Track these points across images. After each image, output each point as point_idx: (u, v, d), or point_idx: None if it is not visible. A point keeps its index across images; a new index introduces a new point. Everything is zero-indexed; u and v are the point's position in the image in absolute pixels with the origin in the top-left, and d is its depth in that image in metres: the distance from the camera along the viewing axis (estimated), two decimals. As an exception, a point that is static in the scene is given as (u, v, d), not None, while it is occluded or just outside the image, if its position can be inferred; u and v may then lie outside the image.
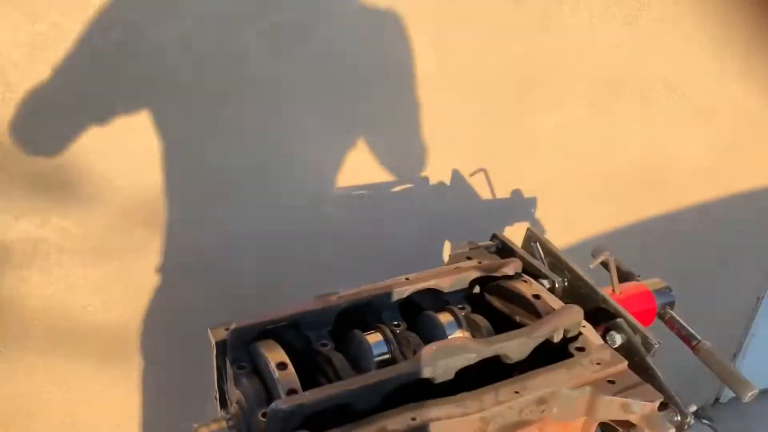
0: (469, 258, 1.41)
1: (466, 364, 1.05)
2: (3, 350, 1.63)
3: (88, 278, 1.63)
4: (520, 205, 2.05)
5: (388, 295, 1.19)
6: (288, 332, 1.13)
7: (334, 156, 1.76)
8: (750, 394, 1.29)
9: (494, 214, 2.01)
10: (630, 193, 2.25)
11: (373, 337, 1.13)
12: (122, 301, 1.69)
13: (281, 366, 1.00)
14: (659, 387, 1.15)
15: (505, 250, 1.45)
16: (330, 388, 0.96)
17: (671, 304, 1.46)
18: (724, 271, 2.71)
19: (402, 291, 1.20)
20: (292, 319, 1.11)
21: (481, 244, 1.47)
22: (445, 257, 2.03)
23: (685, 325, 1.41)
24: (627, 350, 1.22)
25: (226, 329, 1.11)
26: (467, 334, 1.17)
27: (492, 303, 1.30)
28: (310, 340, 1.12)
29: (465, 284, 1.27)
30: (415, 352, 1.13)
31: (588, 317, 1.31)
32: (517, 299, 1.24)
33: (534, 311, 1.21)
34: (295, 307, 1.13)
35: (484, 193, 1.98)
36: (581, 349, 1.14)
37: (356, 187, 1.81)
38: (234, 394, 1.05)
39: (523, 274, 1.30)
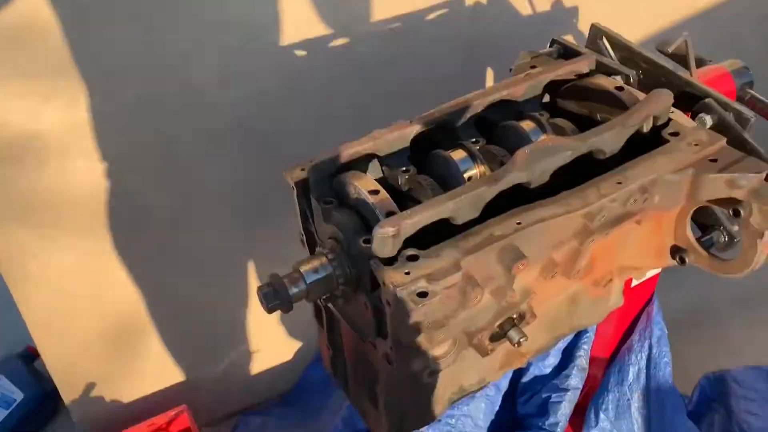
0: (533, 67, 1.32)
1: (561, 163, 1.00)
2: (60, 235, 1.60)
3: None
4: (560, 18, 1.92)
5: (461, 111, 1.12)
6: (365, 164, 1.07)
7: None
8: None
9: (536, 29, 1.89)
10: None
11: (457, 154, 1.07)
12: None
13: (374, 192, 0.95)
14: (763, 158, 1.10)
15: (569, 53, 1.35)
16: (430, 205, 0.91)
17: (750, 84, 1.37)
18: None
19: (476, 105, 1.12)
20: (369, 149, 1.05)
21: (542, 51, 1.37)
22: (488, 84, 1.93)
23: (768, 101, 1.33)
24: (720, 130, 1.15)
25: (302, 169, 1.06)
26: (552, 137, 1.10)
27: (568, 108, 1.22)
28: (390, 168, 1.07)
29: (539, 90, 1.19)
30: (502, 164, 1.07)
31: (673, 105, 1.24)
32: (597, 96, 1.16)
33: (619, 104, 1.13)
34: (369, 137, 1.06)
35: (523, 8, 1.84)
36: (675, 134, 1.07)
37: (386, 21, 1.69)
38: (325, 231, 1.01)
39: (596, 72, 1.21)
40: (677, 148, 1.05)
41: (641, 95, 1.14)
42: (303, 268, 0.97)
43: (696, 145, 1.05)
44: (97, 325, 1.77)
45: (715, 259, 1.17)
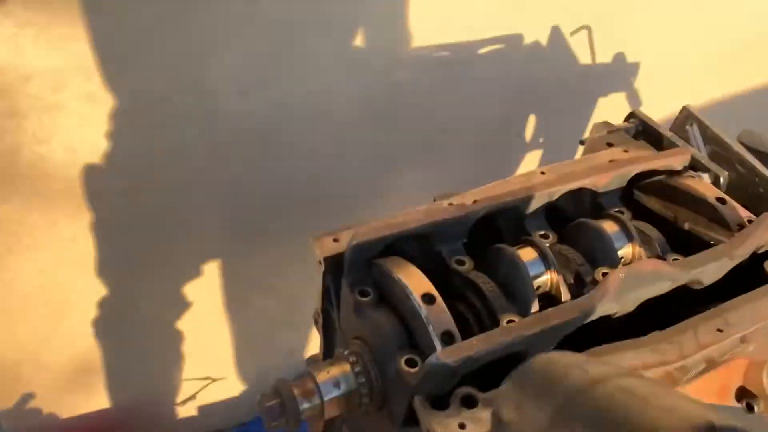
0: (609, 144, 1.13)
1: (658, 293, 0.81)
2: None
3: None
4: (619, 72, 1.73)
5: (531, 197, 0.92)
6: (413, 245, 0.87)
7: (410, 6, 1.41)
8: None
9: (590, 80, 1.70)
10: (739, 66, 1.92)
11: (527, 254, 0.87)
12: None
13: (428, 299, 0.75)
14: None
15: (648, 132, 1.17)
16: (501, 334, 0.72)
17: None
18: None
19: (552, 192, 0.93)
20: (423, 230, 0.85)
21: (618, 125, 1.18)
22: (529, 132, 1.74)
23: None
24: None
25: (335, 239, 0.86)
26: (639, 249, 0.91)
27: (648, 204, 1.03)
28: (442, 256, 0.87)
29: (624, 182, 1.00)
30: (578, 274, 0.88)
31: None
32: (689, 201, 0.98)
33: (717, 218, 0.95)
34: (422, 214, 0.86)
35: (583, 56, 1.65)
36: (780, 270, 0.89)
37: (436, 48, 1.48)
38: (353, 327, 0.81)
39: (689, 169, 1.03)
40: (788, 289, 0.87)
41: (742, 211, 0.96)
42: (320, 378, 0.76)
43: (809, 288, 0.87)
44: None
45: (792, 415, 1.00)
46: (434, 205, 0.87)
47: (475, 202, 0.89)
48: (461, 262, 0.86)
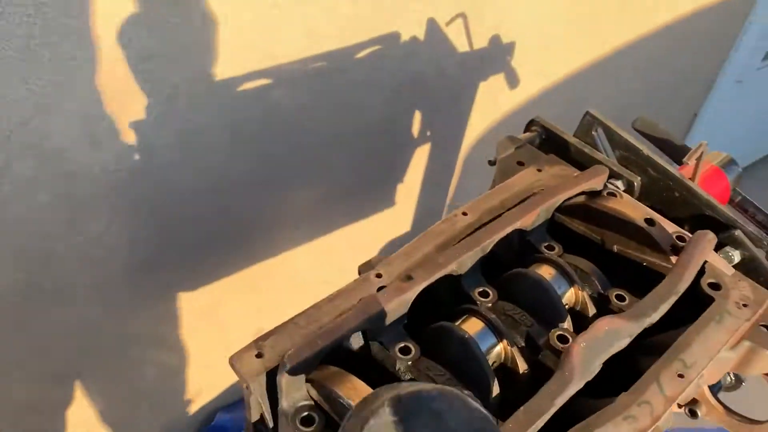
0: (520, 163, 1.06)
1: (616, 351, 0.76)
2: None
3: None
4: (496, 55, 1.68)
5: (465, 258, 0.84)
6: (347, 344, 0.76)
7: (274, 20, 1.25)
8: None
9: (468, 67, 1.63)
10: (602, 23, 1.93)
11: (473, 326, 0.79)
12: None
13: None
14: (797, 313, 0.94)
15: (552, 140, 1.12)
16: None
17: (738, 178, 1.22)
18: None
19: (484, 246, 0.85)
20: (360, 328, 0.74)
21: (522, 137, 1.11)
22: (415, 129, 1.66)
23: (761, 207, 1.19)
24: (747, 268, 0.98)
25: (258, 354, 0.73)
26: (581, 293, 0.86)
27: (570, 226, 0.98)
28: (382, 345, 0.77)
29: (549, 215, 0.94)
30: (528, 336, 0.81)
31: (687, 229, 1.05)
32: (617, 224, 0.94)
33: (647, 240, 0.91)
34: (357, 311, 0.75)
35: (461, 45, 1.57)
36: (716, 286, 0.87)
37: (307, 60, 1.34)
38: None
39: (608, 184, 0.99)
40: (726, 312, 0.85)
41: (669, 225, 0.93)
42: None
43: (744, 305, 0.86)
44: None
45: (733, 415, 1.01)
46: (367, 298, 0.76)
47: (409, 277, 0.79)
48: (406, 350, 0.76)
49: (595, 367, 0.73)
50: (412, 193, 1.79)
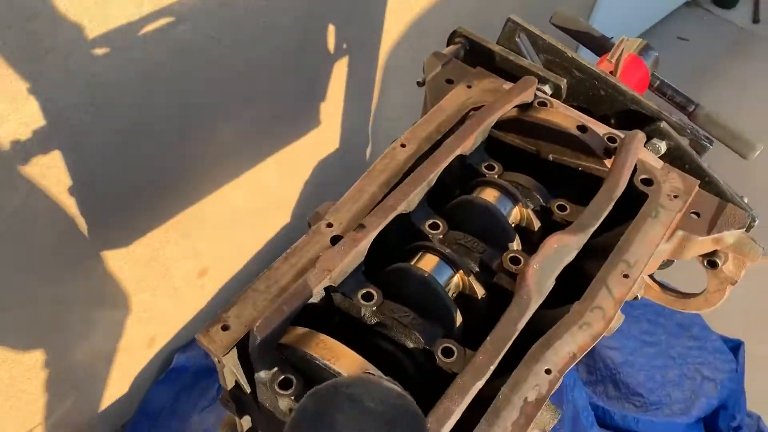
0: (449, 81, 1.05)
1: (566, 263, 0.80)
2: None
3: None
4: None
5: (412, 194, 0.84)
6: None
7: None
8: (755, 153, 1.20)
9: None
10: None
11: (428, 262, 0.81)
12: None
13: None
14: (720, 192, 1.01)
15: (476, 50, 1.10)
16: (458, 392, 0.67)
17: (656, 62, 1.25)
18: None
19: (430, 180, 0.85)
20: (324, 284, 0.74)
21: (447, 51, 1.09)
22: (330, 44, 1.60)
23: (678, 88, 1.23)
24: (674, 158, 1.03)
25: (224, 327, 0.73)
26: (526, 211, 0.89)
27: (506, 140, 1.00)
28: (345, 296, 0.78)
29: (486, 135, 0.95)
30: (482, 262, 0.84)
31: (614, 126, 1.08)
32: (550, 134, 0.95)
33: (582, 147, 0.94)
34: (317, 271, 0.75)
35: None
36: (648, 182, 0.92)
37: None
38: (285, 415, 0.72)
39: (537, 92, 0.99)
40: (660, 206, 0.90)
41: (603, 128, 0.96)
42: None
43: (675, 196, 0.91)
44: None
45: (669, 292, 1.10)
46: (324, 255, 0.75)
47: (361, 225, 0.79)
48: (369, 297, 0.77)
49: (549, 284, 0.77)
50: (336, 110, 1.75)
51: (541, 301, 0.76)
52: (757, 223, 1.02)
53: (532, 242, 0.90)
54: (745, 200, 1.05)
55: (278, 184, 1.78)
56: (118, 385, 1.76)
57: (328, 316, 0.78)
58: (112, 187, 1.34)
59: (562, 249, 0.79)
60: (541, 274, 0.76)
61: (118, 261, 1.47)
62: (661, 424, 1.71)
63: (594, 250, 0.85)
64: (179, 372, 1.84)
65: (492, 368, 0.70)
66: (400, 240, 0.85)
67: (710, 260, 0.95)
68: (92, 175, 1.28)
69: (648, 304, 1.98)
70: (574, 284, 0.82)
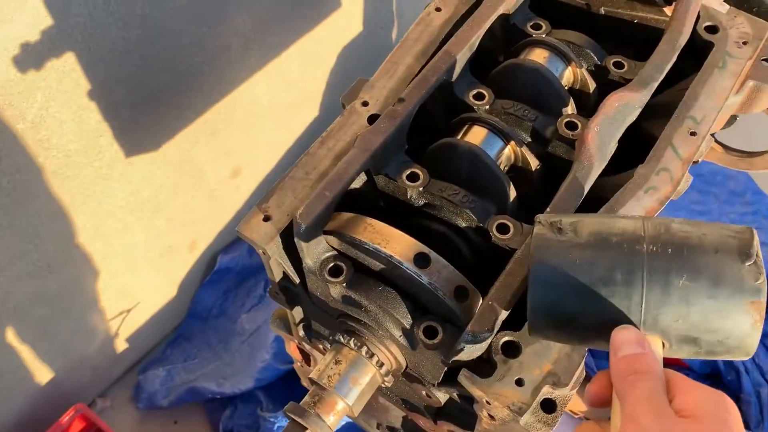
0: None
1: (629, 123, 0.73)
2: None
3: None
4: None
5: (454, 63, 0.76)
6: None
7: None
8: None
9: None
10: None
11: (476, 135, 0.74)
12: None
13: (422, 260, 0.63)
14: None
15: None
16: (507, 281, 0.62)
17: None
18: None
19: (471, 44, 0.77)
20: (361, 169, 0.69)
21: None
22: None
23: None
24: (737, 1, 0.92)
25: (265, 218, 0.69)
26: (579, 71, 0.81)
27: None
28: (389, 177, 0.72)
29: (533, -14, 0.85)
30: (534, 131, 0.77)
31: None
32: (602, -16, 0.85)
33: (637, -4, 0.84)
34: (357, 150, 0.69)
35: None
36: (713, 29, 0.82)
37: None
38: (337, 306, 0.69)
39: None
40: (728, 55, 0.81)
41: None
42: (333, 383, 0.66)
43: (744, 43, 0.82)
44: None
45: (732, 152, 1.02)
46: (364, 134, 0.69)
47: (400, 99, 0.72)
48: (414, 177, 0.72)
49: (612, 147, 0.71)
50: (357, -12, 1.64)
51: (603, 166, 0.70)
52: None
53: (587, 106, 0.82)
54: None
55: (302, 76, 1.70)
56: (165, 290, 1.78)
57: (373, 200, 0.73)
58: (133, 88, 1.29)
59: (624, 107, 0.71)
60: (602, 136, 0.69)
61: (149, 165, 1.44)
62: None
63: (656, 109, 0.78)
64: (224, 273, 1.85)
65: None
66: (443, 113, 0.79)
67: (781, 112, 0.87)
68: (111, 76, 1.22)
69: (698, 173, 1.89)
70: (635, 147, 0.75)
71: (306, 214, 0.64)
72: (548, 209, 0.65)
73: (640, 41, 0.87)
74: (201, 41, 1.35)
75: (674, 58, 0.76)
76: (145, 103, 1.34)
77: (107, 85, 1.23)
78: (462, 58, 0.76)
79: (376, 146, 0.68)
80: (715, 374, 1.71)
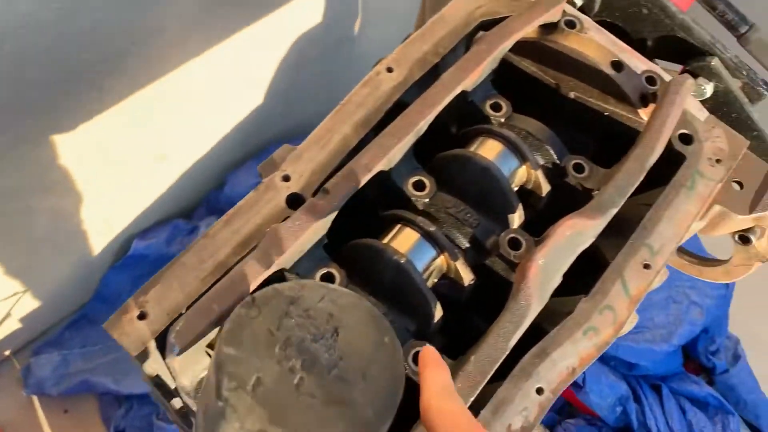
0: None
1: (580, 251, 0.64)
2: None
3: None
4: None
5: (393, 148, 0.65)
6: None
7: None
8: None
9: None
10: None
11: (404, 241, 0.64)
12: None
13: None
14: (768, 152, 0.83)
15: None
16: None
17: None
18: None
19: (419, 129, 0.66)
20: (265, 276, 0.58)
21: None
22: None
23: (731, 2, 1.01)
24: (717, 101, 0.84)
25: (140, 316, 0.58)
26: (533, 171, 0.71)
27: (521, 67, 0.80)
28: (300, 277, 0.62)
29: (495, 64, 0.75)
30: (473, 238, 0.67)
31: (653, 53, 0.87)
32: (577, 68, 0.76)
33: (610, 88, 0.75)
34: (256, 251, 0.58)
35: None
36: (688, 139, 0.74)
37: None
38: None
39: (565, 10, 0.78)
40: (698, 174, 0.73)
41: (640, 61, 0.76)
42: None
43: (718, 161, 0.74)
44: None
45: (684, 255, 0.95)
46: (272, 233, 0.58)
47: (323, 188, 0.61)
48: (329, 279, 0.62)
49: (556, 282, 0.62)
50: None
51: (542, 306, 0.61)
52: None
53: (537, 207, 0.73)
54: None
55: (250, 64, 1.55)
56: (72, 271, 1.64)
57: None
58: (48, 67, 1.13)
59: (577, 236, 0.62)
60: (547, 270, 0.60)
61: (61, 147, 1.29)
62: (641, 350, 1.64)
63: (611, 224, 0.69)
64: (138, 259, 1.71)
65: (477, 392, 0.56)
66: (376, 197, 0.68)
67: (743, 236, 0.80)
68: (23, 52, 1.06)
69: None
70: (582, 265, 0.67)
71: (183, 334, 0.53)
72: (472, 358, 0.56)
73: (608, 134, 0.78)
74: (131, 21, 1.20)
75: (640, 178, 0.67)
76: (62, 82, 1.18)
77: (17, 61, 1.07)
78: (405, 145, 0.66)
79: (285, 251, 0.57)
80: (626, 429, 1.69)
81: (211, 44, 1.41)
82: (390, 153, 0.64)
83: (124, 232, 1.68)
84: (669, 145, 0.74)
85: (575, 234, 0.62)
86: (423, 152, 0.72)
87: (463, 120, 0.74)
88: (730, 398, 1.82)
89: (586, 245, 0.63)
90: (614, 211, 0.65)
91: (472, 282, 0.66)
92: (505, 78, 0.79)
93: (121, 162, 1.46)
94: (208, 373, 0.49)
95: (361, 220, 0.67)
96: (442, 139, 0.74)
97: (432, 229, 0.64)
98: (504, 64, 0.79)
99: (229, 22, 1.42)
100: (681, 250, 0.94)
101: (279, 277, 0.60)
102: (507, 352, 0.57)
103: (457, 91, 0.69)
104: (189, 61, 1.39)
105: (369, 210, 0.69)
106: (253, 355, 0.47)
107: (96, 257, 1.67)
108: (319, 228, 0.60)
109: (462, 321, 0.68)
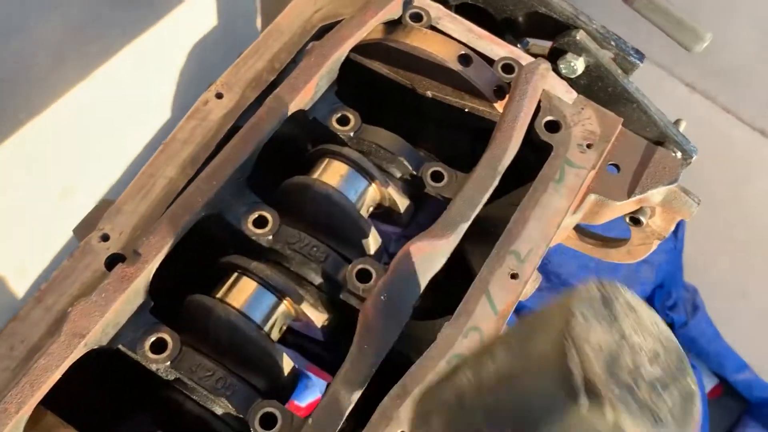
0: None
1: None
2: None
3: None
4: None
5: (225, 178, 0.59)
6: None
7: None
8: (703, 44, 0.95)
9: None
10: None
11: (241, 293, 0.59)
12: None
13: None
14: (650, 124, 0.78)
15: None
16: None
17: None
18: None
19: (247, 162, 0.60)
20: (70, 362, 0.52)
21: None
22: None
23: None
24: (590, 77, 0.78)
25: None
26: (384, 189, 0.65)
27: (374, 68, 0.74)
28: (131, 350, 0.56)
29: (335, 73, 0.68)
30: (324, 272, 0.62)
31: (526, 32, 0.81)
32: (425, 67, 0.70)
33: (465, 86, 0.69)
34: (60, 335, 0.52)
35: None
36: (554, 126, 0.69)
37: None
38: None
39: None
40: (566, 162, 0.68)
41: (497, 45, 0.70)
42: None
43: (589, 146, 0.69)
44: None
45: (587, 238, 0.90)
46: (75, 310, 0.52)
47: (133, 250, 0.55)
48: (160, 347, 0.56)
49: (408, 310, 0.57)
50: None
51: (395, 338, 0.55)
52: (695, 158, 0.81)
53: (400, 223, 0.68)
54: (682, 126, 0.83)
55: (145, 81, 1.47)
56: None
57: (103, 373, 0.57)
58: None
59: (426, 259, 0.57)
60: (391, 305, 0.55)
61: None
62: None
63: (477, 229, 0.64)
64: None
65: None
66: (217, 238, 0.62)
67: (633, 217, 0.75)
68: None
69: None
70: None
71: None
72: (309, 423, 0.51)
73: (478, 129, 0.72)
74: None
75: (494, 185, 0.62)
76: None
77: None
78: (231, 181, 0.59)
79: (91, 330, 0.51)
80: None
81: (92, 69, 1.33)
82: (210, 194, 0.57)
83: (43, 276, 1.61)
84: (534, 137, 0.68)
85: (422, 259, 0.57)
86: (275, 178, 0.66)
87: (315, 138, 0.68)
88: (691, 350, 1.79)
89: (438, 268, 0.58)
90: (465, 225, 0.59)
91: (326, 322, 0.60)
92: (360, 83, 0.73)
93: (23, 206, 1.39)
94: None
95: (201, 265, 0.61)
96: (293, 163, 0.68)
97: (269, 274, 0.58)
98: (356, 69, 0.72)
99: (107, 45, 1.33)
100: (583, 232, 0.90)
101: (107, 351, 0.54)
102: (352, 406, 0.52)
103: (290, 112, 0.62)
104: (72, 89, 1.31)
105: (209, 253, 0.63)
106: None
107: (19, 305, 1.60)
108: (132, 296, 0.54)
109: (326, 363, 0.62)
